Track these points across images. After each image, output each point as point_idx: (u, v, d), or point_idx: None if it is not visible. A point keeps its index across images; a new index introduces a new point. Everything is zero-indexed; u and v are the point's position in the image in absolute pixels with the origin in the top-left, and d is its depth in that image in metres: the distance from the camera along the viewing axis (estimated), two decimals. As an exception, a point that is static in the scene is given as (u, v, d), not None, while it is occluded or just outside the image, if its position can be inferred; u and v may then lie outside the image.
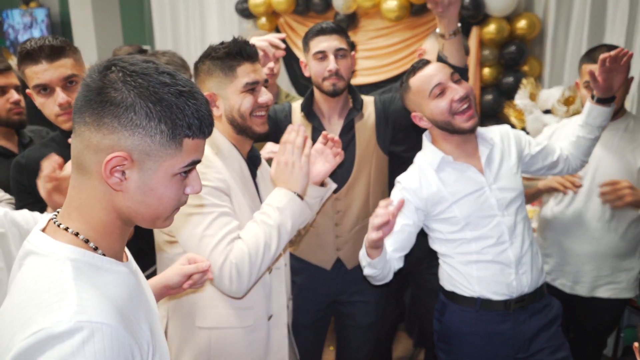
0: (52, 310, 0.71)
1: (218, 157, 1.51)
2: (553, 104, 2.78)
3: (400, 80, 1.74)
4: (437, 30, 1.80)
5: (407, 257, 2.17)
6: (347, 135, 2.05)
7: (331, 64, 1.98)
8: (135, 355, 0.77)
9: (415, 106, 1.70)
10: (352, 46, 2.13)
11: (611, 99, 1.70)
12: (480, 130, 1.74)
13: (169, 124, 0.78)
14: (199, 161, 0.86)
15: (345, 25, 4.75)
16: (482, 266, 1.68)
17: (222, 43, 1.50)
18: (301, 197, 1.47)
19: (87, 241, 0.83)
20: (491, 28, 4.08)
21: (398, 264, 1.69)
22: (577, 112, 2.75)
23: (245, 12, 5.01)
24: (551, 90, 2.83)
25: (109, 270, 0.83)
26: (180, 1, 5.65)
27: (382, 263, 1.58)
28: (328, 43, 2.00)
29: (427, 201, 1.68)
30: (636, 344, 1.35)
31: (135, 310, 0.83)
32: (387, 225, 1.41)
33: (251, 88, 1.50)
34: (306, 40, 2.07)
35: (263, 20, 5.08)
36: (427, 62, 1.68)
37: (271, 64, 2.05)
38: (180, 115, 0.79)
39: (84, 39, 4.72)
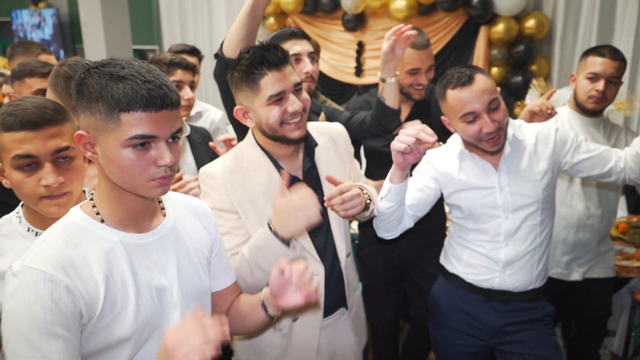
0: (26, 253, 0.97)
1: (233, 175, 1.49)
2: (564, 103, 2.78)
3: (443, 78, 1.65)
4: (379, 74, 1.91)
5: (401, 254, 2.20)
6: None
7: (307, 65, 1.92)
8: (75, 295, 0.95)
9: (446, 114, 1.68)
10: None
11: None
12: (516, 124, 1.71)
13: (104, 103, 0.94)
14: (150, 136, 0.96)
15: (353, 25, 4.77)
16: (472, 254, 1.73)
17: (248, 51, 1.41)
18: (287, 243, 1.38)
19: (94, 207, 1.04)
20: (500, 27, 4.09)
21: (409, 222, 1.71)
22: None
23: (253, 12, 5.03)
24: (562, 90, 2.83)
25: (90, 232, 1.01)
26: (188, 1, 5.68)
27: (401, 196, 1.57)
28: (302, 47, 1.93)
29: (442, 177, 1.72)
30: None
31: (94, 265, 0.98)
32: (413, 148, 1.39)
33: (277, 99, 1.40)
34: (276, 43, 1.97)
35: (271, 20, 5.10)
36: (471, 79, 1.57)
37: (309, 67, 1.94)
38: (110, 94, 0.93)
39: (92, 39, 4.75)
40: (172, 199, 1.18)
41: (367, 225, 1.85)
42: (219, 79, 1.68)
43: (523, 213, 1.66)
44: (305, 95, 1.46)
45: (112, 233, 1.03)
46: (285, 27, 2.01)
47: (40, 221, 1.24)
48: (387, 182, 1.57)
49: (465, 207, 1.70)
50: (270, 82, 1.39)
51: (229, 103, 1.67)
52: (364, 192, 1.52)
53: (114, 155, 0.97)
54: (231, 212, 1.48)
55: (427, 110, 2.16)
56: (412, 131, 1.41)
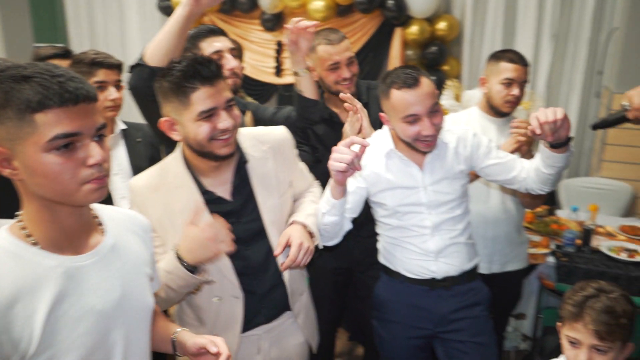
0: None
1: (156, 193, 1.44)
2: (476, 103, 2.94)
3: (388, 76, 1.67)
4: (291, 67, 1.96)
5: (348, 257, 2.24)
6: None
7: (230, 61, 1.87)
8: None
9: (387, 111, 1.72)
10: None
11: (565, 142, 1.53)
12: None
13: (12, 108, 0.85)
14: (73, 133, 0.88)
15: (272, 24, 4.75)
16: (404, 251, 1.81)
17: (180, 62, 1.34)
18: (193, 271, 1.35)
19: (23, 229, 0.94)
20: (414, 29, 4.24)
21: (348, 225, 1.75)
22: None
23: (168, 10, 4.87)
24: (474, 90, 3.00)
25: (18, 255, 0.91)
26: (97, -3, 5.39)
27: (342, 209, 1.61)
28: (222, 43, 1.88)
29: (370, 176, 1.77)
30: (559, 323, 1.48)
31: (22, 293, 0.89)
32: (352, 165, 1.43)
33: (208, 115, 1.35)
34: (194, 41, 1.87)
35: (187, 18, 4.97)
36: (417, 81, 1.60)
37: (232, 63, 1.89)
38: (17, 96, 0.84)
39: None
40: (109, 214, 1.09)
41: None
42: (139, 89, 1.59)
43: (445, 208, 1.76)
44: (236, 111, 1.43)
45: (48, 257, 0.93)
46: (203, 25, 1.95)
47: None
48: (328, 199, 1.59)
49: (390, 205, 1.77)
50: (202, 98, 1.33)
51: (149, 112, 1.61)
52: (307, 227, 1.54)
53: (37, 163, 0.87)
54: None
55: (366, 110, 2.20)
56: (346, 149, 1.43)
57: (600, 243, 2.72)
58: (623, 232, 2.90)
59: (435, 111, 1.64)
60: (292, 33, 1.84)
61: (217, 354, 1.16)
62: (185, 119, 1.36)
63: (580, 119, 4.19)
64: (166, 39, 1.56)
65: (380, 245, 1.93)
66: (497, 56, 2.18)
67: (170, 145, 1.63)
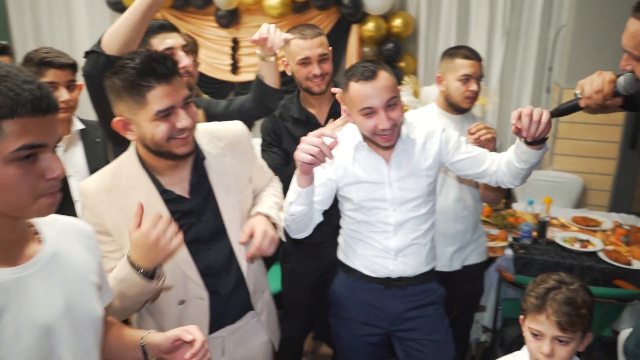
0: None
1: (109, 195, 1.37)
2: (434, 99, 2.97)
3: (349, 69, 1.66)
4: (258, 52, 1.91)
5: (326, 259, 2.19)
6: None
7: (183, 59, 1.79)
8: None
9: (347, 105, 1.70)
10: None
11: (542, 140, 1.54)
12: (410, 124, 1.77)
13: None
14: (39, 145, 0.84)
15: (227, 21, 4.67)
16: (366, 246, 1.80)
17: (133, 58, 1.26)
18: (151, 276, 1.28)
19: None
20: (370, 26, 4.25)
21: (318, 217, 1.73)
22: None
23: (117, 6, 4.70)
24: (431, 87, 3.03)
25: None
26: (41, -9, 5.15)
27: (311, 197, 1.59)
28: (174, 40, 1.79)
29: (339, 168, 1.75)
30: (521, 316, 1.51)
31: None
32: (318, 156, 1.41)
33: (165, 114, 1.29)
34: (144, 37, 1.74)
35: (138, 14, 4.81)
36: (375, 74, 1.59)
37: (185, 61, 1.79)
38: None
39: None
40: (46, 221, 1.02)
41: None
42: (93, 77, 1.51)
43: (410, 206, 1.76)
44: (194, 109, 1.37)
45: None
46: (153, 20, 1.85)
47: None
48: (294, 187, 1.57)
49: (356, 199, 1.75)
50: (158, 96, 1.26)
51: (101, 104, 1.52)
52: (270, 218, 1.51)
53: None
54: (104, 234, 1.37)
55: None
56: (315, 140, 1.41)
57: (555, 234, 2.80)
58: (575, 223, 2.99)
59: (393, 105, 1.63)
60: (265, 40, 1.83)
61: (193, 342, 1.13)
62: (141, 119, 1.29)
63: (532, 114, 4.32)
64: (125, 27, 1.48)
65: (341, 239, 1.91)
66: (451, 53, 2.19)
67: (118, 143, 1.56)
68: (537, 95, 4.30)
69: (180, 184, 1.44)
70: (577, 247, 2.66)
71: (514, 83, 4.36)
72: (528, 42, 4.26)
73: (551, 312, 1.36)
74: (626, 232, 2.72)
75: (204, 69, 4.93)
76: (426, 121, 2.01)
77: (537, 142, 1.54)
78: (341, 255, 1.91)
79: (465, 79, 2.13)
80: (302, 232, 1.71)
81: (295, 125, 2.14)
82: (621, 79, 1.50)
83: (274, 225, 1.54)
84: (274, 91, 1.96)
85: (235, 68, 4.87)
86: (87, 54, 1.54)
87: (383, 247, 1.77)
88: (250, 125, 2.11)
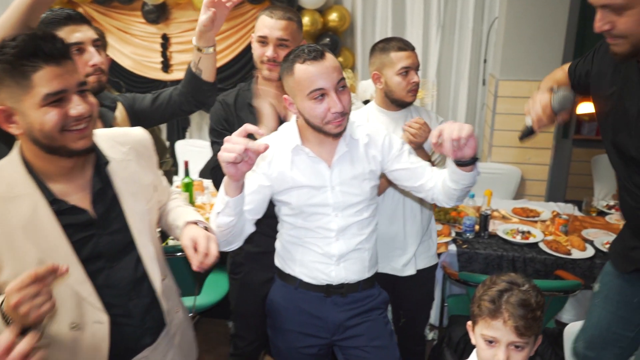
0: None
1: None
2: (371, 94, 2.90)
3: (291, 53, 1.53)
4: (194, 42, 1.77)
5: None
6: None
7: (94, 56, 1.65)
8: None
9: (291, 92, 1.55)
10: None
11: (472, 160, 1.45)
12: (349, 123, 1.63)
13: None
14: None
15: (155, 17, 4.42)
16: (306, 251, 1.69)
17: (15, 38, 1.11)
18: None
19: None
20: (305, 20, 4.14)
21: (250, 228, 1.59)
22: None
23: (33, 1, 4.35)
24: (368, 81, 2.95)
25: None
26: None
27: (240, 207, 1.46)
28: (83, 33, 1.63)
29: (275, 174, 1.62)
30: (469, 323, 1.43)
31: None
32: (243, 156, 1.29)
33: (56, 99, 1.12)
34: (48, 29, 1.62)
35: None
36: (322, 54, 1.49)
37: (96, 59, 1.64)
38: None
39: None
40: None
41: (247, 243, 1.66)
42: None
43: (352, 210, 1.65)
44: (92, 98, 1.20)
45: None
46: (58, 9, 1.65)
47: None
48: (222, 196, 1.43)
49: (295, 204, 1.63)
50: (46, 78, 1.10)
51: None
52: (199, 224, 1.40)
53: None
54: None
55: None
56: (238, 139, 1.28)
57: (497, 227, 2.80)
58: (516, 215, 3.01)
59: (343, 87, 1.53)
60: (213, 12, 1.67)
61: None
62: (27, 106, 1.11)
63: (469, 106, 4.36)
64: (14, 13, 1.34)
65: (278, 244, 1.79)
66: (382, 47, 2.07)
67: (2, 140, 1.36)
68: (474, 88, 4.33)
69: (77, 193, 1.25)
70: (518, 239, 2.67)
71: (451, 76, 4.38)
72: (463, 35, 4.28)
73: (507, 317, 1.29)
74: (564, 222, 2.75)
75: (132, 67, 4.68)
76: (368, 122, 1.92)
77: (465, 163, 1.46)
78: (278, 262, 1.78)
79: (405, 72, 2.02)
80: (230, 245, 1.57)
81: (251, 113, 1.94)
82: (554, 101, 1.57)
83: (207, 229, 1.42)
84: (210, 86, 1.81)
85: (166, 66, 4.63)
86: None
87: (324, 252, 1.67)
88: (182, 117, 1.94)
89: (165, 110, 1.87)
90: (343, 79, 1.53)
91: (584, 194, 3.50)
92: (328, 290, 1.70)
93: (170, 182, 2.78)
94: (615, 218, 2.98)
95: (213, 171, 1.90)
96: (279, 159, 1.62)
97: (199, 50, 1.76)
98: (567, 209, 3.14)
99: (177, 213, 1.47)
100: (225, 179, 1.40)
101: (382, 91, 2.10)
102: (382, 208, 2.10)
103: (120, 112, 1.82)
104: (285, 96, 1.58)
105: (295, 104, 1.56)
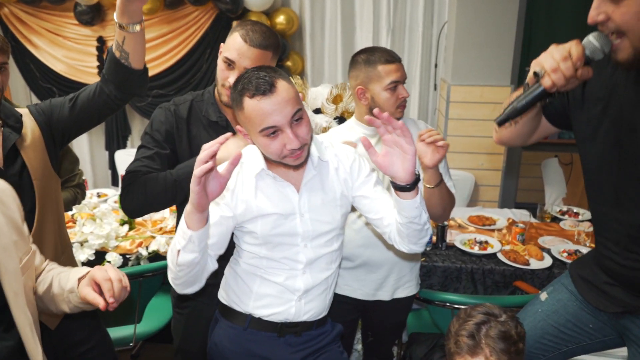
0: None
1: None
2: (322, 102, 2.76)
3: (239, 81, 1.34)
4: (115, 18, 1.49)
5: None
6: (14, 167, 1.50)
7: None
8: None
9: (243, 125, 1.38)
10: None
11: (410, 186, 1.35)
12: (320, 143, 1.50)
13: None
14: None
15: (90, 18, 4.13)
16: (265, 283, 1.52)
17: None
18: None
19: None
20: (252, 23, 3.97)
21: (213, 265, 1.42)
22: (346, 111, 2.77)
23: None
24: (318, 88, 2.81)
25: None
26: None
27: (203, 243, 1.30)
28: None
29: (239, 202, 1.45)
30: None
31: None
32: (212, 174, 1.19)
33: None
34: None
35: (-22, 10, 4.11)
36: (272, 87, 1.31)
37: None
38: None
39: None
40: None
41: None
42: None
43: (322, 240, 1.49)
44: None
45: None
46: None
47: None
48: (184, 230, 1.26)
49: (260, 234, 1.45)
50: None
51: None
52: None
53: None
54: None
55: None
56: (213, 143, 1.18)
57: (454, 237, 2.72)
58: (472, 224, 2.95)
59: (299, 119, 1.35)
60: None
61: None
62: None
63: (420, 111, 4.30)
64: None
65: (229, 274, 1.59)
66: (367, 60, 1.85)
67: None
68: (425, 92, 4.28)
69: None
70: (476, 249, 2.59)
71: (402, 80, 4.31)
72: (413, 39, 4.23)
73: (489, 352, 1.18)
74: (521, 230, 2.70)
75: (65, 71, 4.37)
76: (348, 141, 1.75)
77: (404, 188, 1.35)
78: (225, 297, 1.59)
79: (394, 87, 1.85)
80: (192, 286, 1.39)
81: (210, 128, 1.72)
82: (591, 38, 1.19)
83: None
84: (140, 74, 1.54)
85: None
86: None
87: (287, 286, 1.50)
88: (114, 113, 1.67)
89: (91, 114, 1.60)
90: (300, 109, 1.35)
91: (534, 196, 3.50)
92: (282, 329, 1.53)
93: (83, 196, 2.55)
94: (569, 224, 2.97)
95: (128, 176, 1.66)
96: (242, 187, 1.45)
97: (122, 28, 1.46)
98: (523, 216, 3.11)
99: (61, 278, 1.27)
100: (187, 210, 1.24)
101: (366, 107, 1.89)
102: (359, 230, 1.95)
103: (30, 130, 1.56)
104: (238, 127, 1.41)
105: (250, 137, 1.39)
